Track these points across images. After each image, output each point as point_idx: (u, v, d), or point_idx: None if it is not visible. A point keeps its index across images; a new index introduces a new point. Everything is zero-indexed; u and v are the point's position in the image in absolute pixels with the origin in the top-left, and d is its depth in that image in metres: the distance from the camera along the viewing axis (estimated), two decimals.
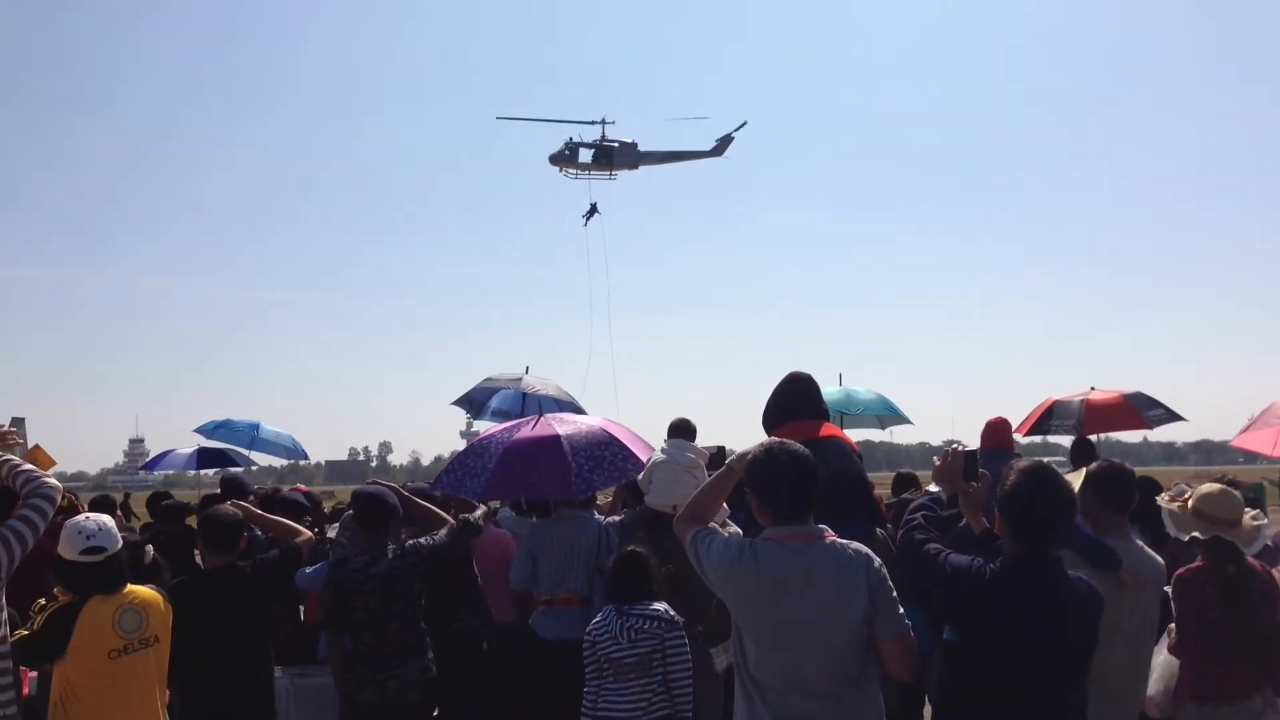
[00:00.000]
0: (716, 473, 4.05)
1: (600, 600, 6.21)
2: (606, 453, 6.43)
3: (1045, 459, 4.84)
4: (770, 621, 3.63)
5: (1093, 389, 10.13)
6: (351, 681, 5.55)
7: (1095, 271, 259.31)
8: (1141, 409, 9.91)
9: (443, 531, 5.85)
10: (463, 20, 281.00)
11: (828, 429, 5.38)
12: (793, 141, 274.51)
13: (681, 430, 7.14)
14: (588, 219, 38.02)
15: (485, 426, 8.53)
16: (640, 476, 6.51)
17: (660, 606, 5.10)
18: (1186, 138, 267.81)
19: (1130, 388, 10.21)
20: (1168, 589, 4.81)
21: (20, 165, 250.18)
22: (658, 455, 6.31)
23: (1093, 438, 9.65)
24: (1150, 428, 10.06)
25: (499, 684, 6.64)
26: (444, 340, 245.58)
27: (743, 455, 3.86)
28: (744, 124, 43.26)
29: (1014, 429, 10.14)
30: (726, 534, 3.95)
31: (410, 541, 5.73)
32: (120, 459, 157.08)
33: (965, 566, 3.62)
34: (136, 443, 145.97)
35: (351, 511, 6.31)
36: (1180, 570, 4.70)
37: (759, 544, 3.68)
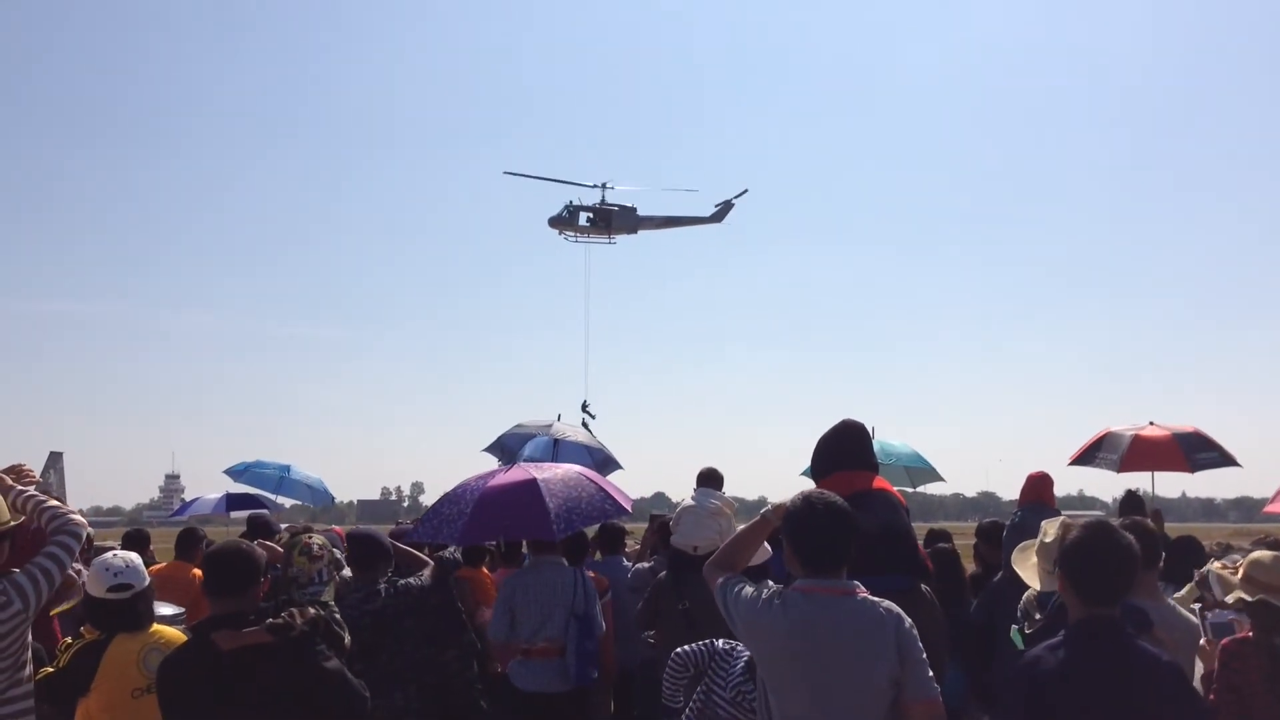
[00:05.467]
0: (750, 522, 4.05)
1: (575, 648, 6.21)
2: (584, 494, 6.48)
3: (1083, 513, 4.73)
4: (795, 675, 3.58)
5: (1151, 423, 9.82)
6: None
7: (1139, 323, 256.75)
8: (1188, 451, 9.51)
9: (426, 572, 6.19)
10: (483, 65, 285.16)
11: (878, 482, 5.29)
12: (819, 183, 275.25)
13: (709, 479, 7.40)
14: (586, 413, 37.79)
15: None
16: (671, 520, 6.69)
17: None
18: (1243, 179, 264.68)
19: (1188, 426, 9.83)
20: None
21: (60, 203, 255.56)
22: (687, 501, 6.48)
23: (1140, 491, 9.37)
24: (1190, 471, 9.55)
25: None
26: (477, 382, 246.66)
27: (779, 505, 3.86)
28: (745, 191, 43.64)
29: (1069, 459, 9.96)
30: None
31: (401, 581, 6.07)
32: (156, 494, 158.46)
33: (1032, 664, 3.52)
34: (172, 479, 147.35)
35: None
36: (1225, 641, 4.54)
37: (788, 594, 3.65)
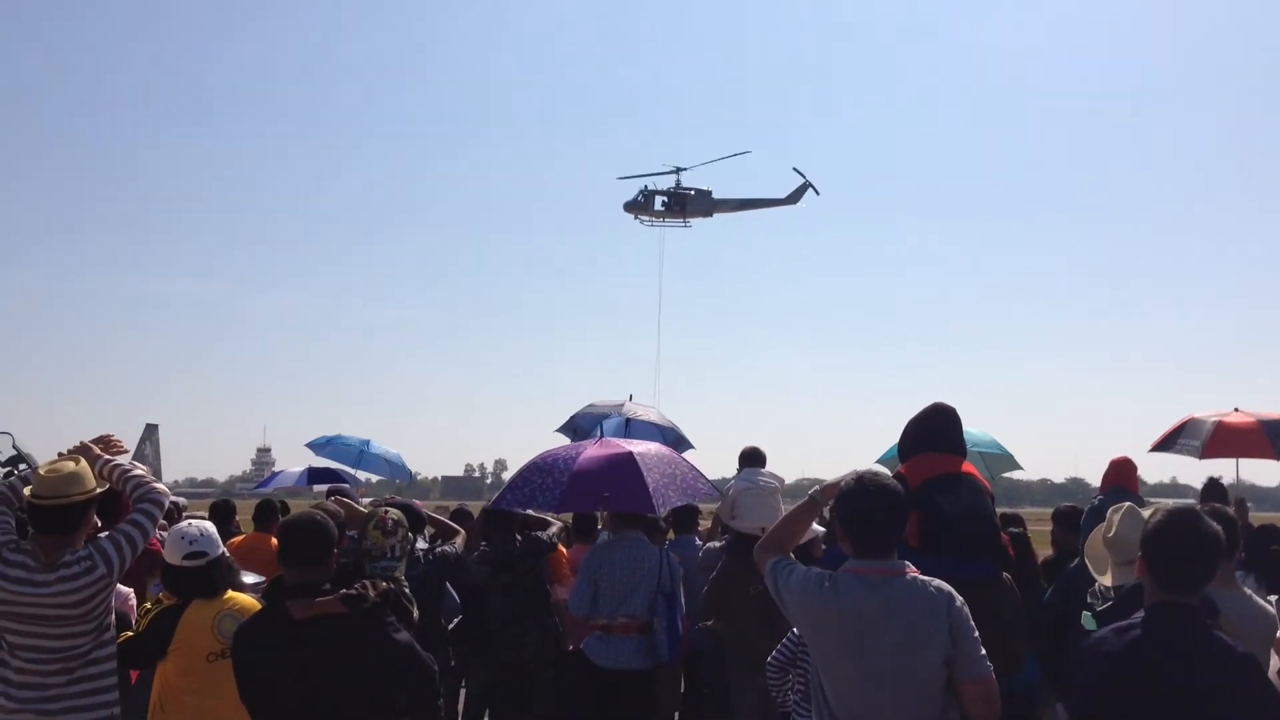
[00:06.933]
0: (799, 503, 4.05)
1: (663, 625, 6.17)
2: (678, 470, 6.46)
3: (1171, 501, 4.61)
4: (847, 657, 3.57)
5: (1236, 409, 9.53)
6: None
7: (1236, 302, 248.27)
8: (1274, 437, 9.17)
9: (459, 540, 6.47)
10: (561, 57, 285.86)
11: (965, 466, 5.22)
12: (903, 170, 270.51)
13: (753, 458, 7.31)
14: None
15: None
16: (719, 506, 6.66)
17: None
18: None
19: (1275, 413, 9.49)
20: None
21: (162, 184, 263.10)
22: (739, 484, 6.42)
23: (1225, 480, 9.11)
24: (1276, 458, 9.22)
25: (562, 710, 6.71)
26: (557, 363, 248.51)
27: (828, 486, 3.84)
28: (818, 193, 43.45)
29: (1151, 445, 9.70)
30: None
31: (439, 549, 6.32)
32: (248, 467, 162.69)
33: (1098, 644, 3.47)
34: (263, 452, 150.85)
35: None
36: None
37: (839, 576, 3.64)
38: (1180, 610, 3.38)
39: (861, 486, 3.66)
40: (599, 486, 6.34)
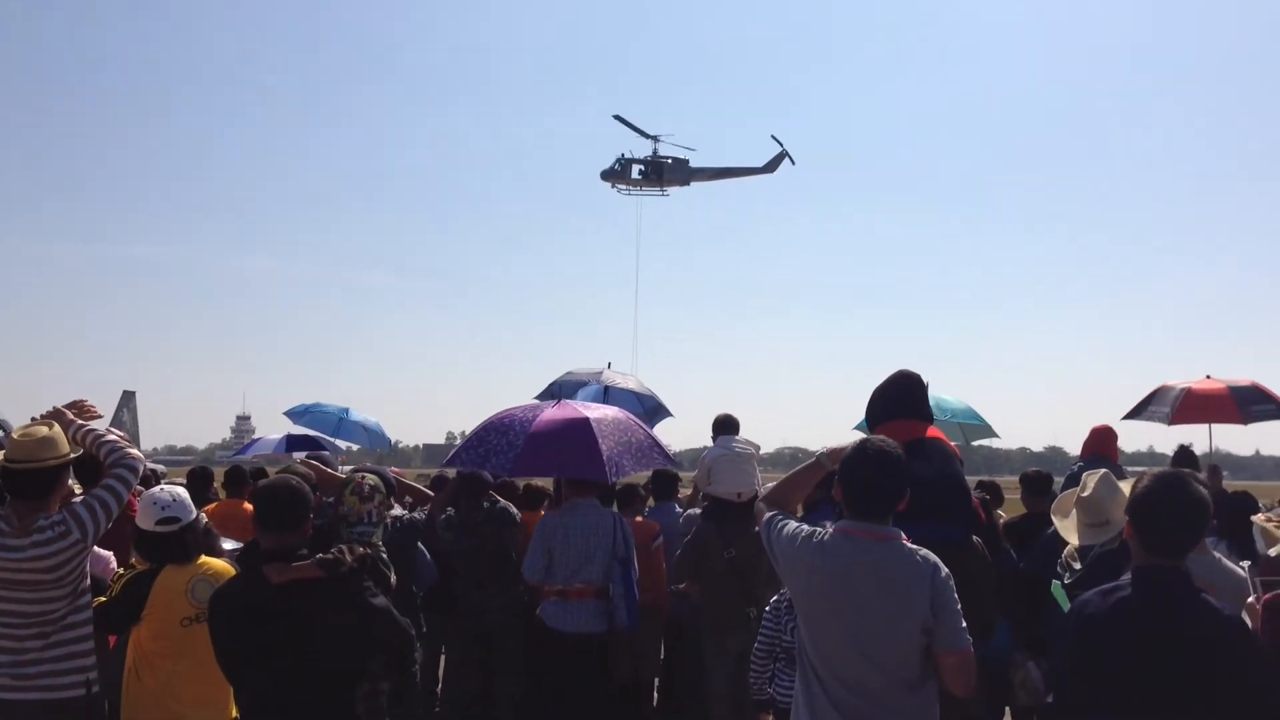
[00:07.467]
0: (805, 463, 4.09)
1: (620, 591, 6.18)
2: (633, 439, 6.41)
3: (1151, 469, 4.64)
4: (829, 613, 3.61)
5: (1208, 377, 9.63)
6: None
7: (1218, 271, 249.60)
8: (1242, 403, 9.26)
9: (428, 506, 6.68)
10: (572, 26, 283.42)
11: (932, 431, 5.24)
12: (879, 141, 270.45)
13: (726, 425, 7.35)
14: None
15: None
16: (696, 473, 6.68)
17: None
18: None
19: (1246, 380, 9.59)
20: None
21: (135, 150, 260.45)
22: (714, 451, 6.43)
23: (1199, 448, 9.16)
24: (1243, 423, 9.33)
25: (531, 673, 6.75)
26: (537, 330, 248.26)
27: (835, 450, 3.88)
28: (794, 162, 43.69)
29: (1123, 414, 9.75)
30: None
31: (407, 515, 6.43)
32: (228, 435, 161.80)
33: (1083, 606, 3.47)
34: (243, 419, 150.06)
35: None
36: (1267, 596, 4.40)
37: (829, 535, 3.68)
38: (1168, 573, 3.38)
39: (863, 450, 3.69)
40: (553, 452, 6.26)
